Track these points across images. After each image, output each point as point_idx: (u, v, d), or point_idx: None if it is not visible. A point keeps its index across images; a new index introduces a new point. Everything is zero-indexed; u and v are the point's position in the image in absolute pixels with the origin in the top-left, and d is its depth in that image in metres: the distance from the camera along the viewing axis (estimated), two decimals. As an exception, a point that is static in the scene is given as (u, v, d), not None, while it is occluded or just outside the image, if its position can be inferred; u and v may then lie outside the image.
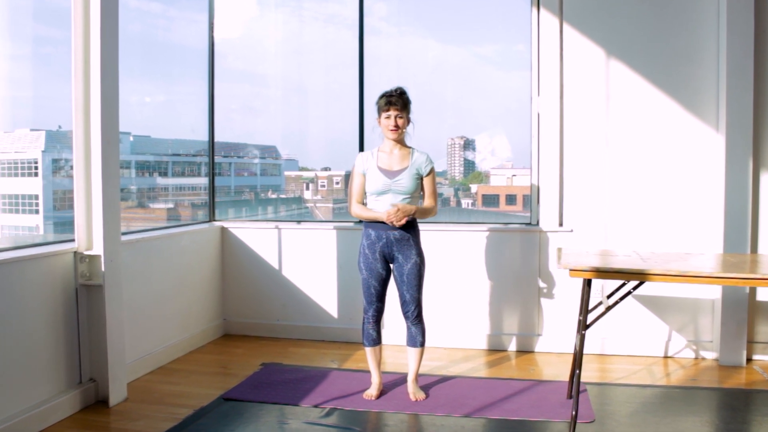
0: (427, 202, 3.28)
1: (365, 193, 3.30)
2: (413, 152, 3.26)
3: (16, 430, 2.79)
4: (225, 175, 5.10)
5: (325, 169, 5.17)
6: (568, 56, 4.09)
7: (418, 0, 4.80)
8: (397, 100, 3.16)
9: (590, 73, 4.07)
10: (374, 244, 3.24)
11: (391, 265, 3.29)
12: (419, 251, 3.26)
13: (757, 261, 3.04)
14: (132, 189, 4.48)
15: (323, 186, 5.15)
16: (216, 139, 4.81)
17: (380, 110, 3.22)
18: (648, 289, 3.94)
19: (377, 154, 3.27)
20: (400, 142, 3.26)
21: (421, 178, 3.24)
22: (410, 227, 3.23)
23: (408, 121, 3.24)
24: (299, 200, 5.24)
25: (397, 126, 3.18)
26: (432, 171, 3.27)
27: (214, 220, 4.76)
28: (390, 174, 3.20)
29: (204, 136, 4.78)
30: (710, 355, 4.02)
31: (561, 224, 4.16)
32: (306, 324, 4.55)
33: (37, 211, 3.72)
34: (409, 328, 3.32)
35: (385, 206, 3.20)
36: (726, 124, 3.81)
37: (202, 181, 4.82)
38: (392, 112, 3.18)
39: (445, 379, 3.64)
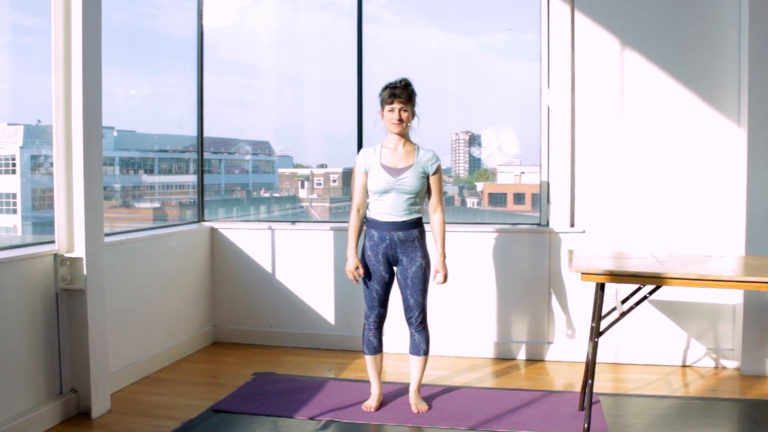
0: (436, 209, 3.28)
1: (367, 193, 3.29)
2: (419, 149, 3.26)
3: (-7, 443, 2.79)
4: (215, 173, 5.10)
5: (322, 166, 5.17)
6: (580, 46, 4.09)
7: (421, -14, 4.81)
8: (401, 92, 3.16)
9: (603, 63, 4.07)
10: (377, 246, 3.24)
11: (395, 268, 3.29)
12: (425, 253, 3.26)
13: (782, 264, 3.04)
14: (116, 187, 4.48)
15: (319, 184, 5.15)
16: (205, 135, 4.81)
17: (383, 103, 3.22)
18: (665, 293, 3.94)
19: (380, 150, 3.27)
20: (405, 137, 3.26)
21: (427, 177, 3.25)
22: (416, 227, 3.24)
23: (413, 114, 3.23)
24: (294, 199, 5.24)
25: (401, 119, 3.18)
26: (439, 169, 3.27)
27: (203, 221, 4.76)
28: (394, 172, 3.20)
29: (192, 131, 4.78)
30: (731, 364, 4.02)
31: (572, 225, 4.16)
32: (301, 331, 4.55)
33: (14, 211, 3.72)
34: (412, 335, 3.33)
35: (388, 206, 3.20)
36: (748, 117, 3.81)
37: (191, 178, 4.82)
38: (396, 105, 3.17)
39: (449, 389, 3.64)
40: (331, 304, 4.50)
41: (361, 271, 3.27)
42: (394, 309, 3.56)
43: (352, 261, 3.27)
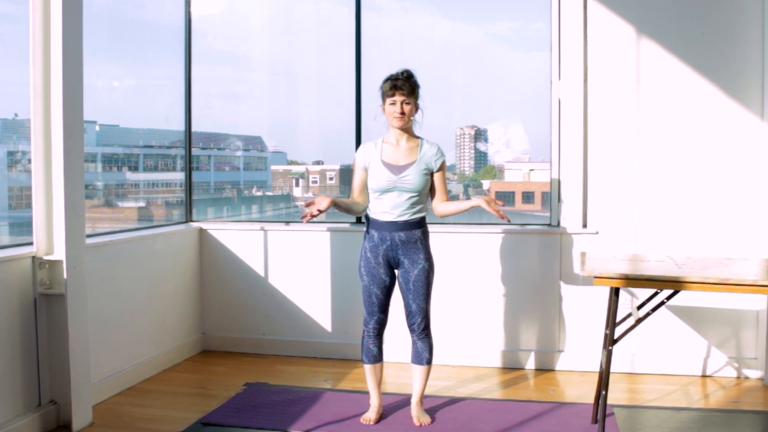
0: (443, 200, 3.29)
1: (367, 191, 3.29)
2: (422, 144, 3.27)
3: (-33, 458, 2.79)
4: (203, 170, 5.10)
5: (317, 162, 5.18)
6: (593, 35, 4.09)
7: (423, -29, 4.81)
8: (403, 84, 3.17)
9: (618, 54, 4.08)
10: (377, 247, 3.24)
11: (396, 271, 3.30)
12: (428, 255, 3.27)
13: (808, 267, 3.04)
14: (98, 185, 4.48)
15: (315, 182, 5.15)
16: (193, 129, 4.81)
17: (384, 95, 3.23)
18: (684, 298, 3.94)
19: (381, 146, 3.28)
20: (408, 131, 3.27)
21: (431, 174, 3.25)
22: (418, 227, 3.24)
23: (416, 107, 3.24)
24: (288, 198, 5.24)
25: (403, 113, 3.19)
26: (443, 165, 3.28)
27: (192, 221, 4.77)
28: (395, 169, 3.20)
29: (180, 126, 4.78)
30: (754, 374, 4.02)
31: (585, 225, 4.16)
32: (295, 339, 4.55)
33: (-10, 211, 3.72)
34: (414, 343, 3.33)
35: (389, 205, 3.20)
36: (772, 111, 3.82)
37: (178, 176, 4.82)
38: (398, 98, 3.18)
39: (453, 401, 3.64)
40: (328, 310, 4.50)
41: (314, 210, 3.05)
42: (395, 315, 3.57)
43: (322, 197, 3.11)
